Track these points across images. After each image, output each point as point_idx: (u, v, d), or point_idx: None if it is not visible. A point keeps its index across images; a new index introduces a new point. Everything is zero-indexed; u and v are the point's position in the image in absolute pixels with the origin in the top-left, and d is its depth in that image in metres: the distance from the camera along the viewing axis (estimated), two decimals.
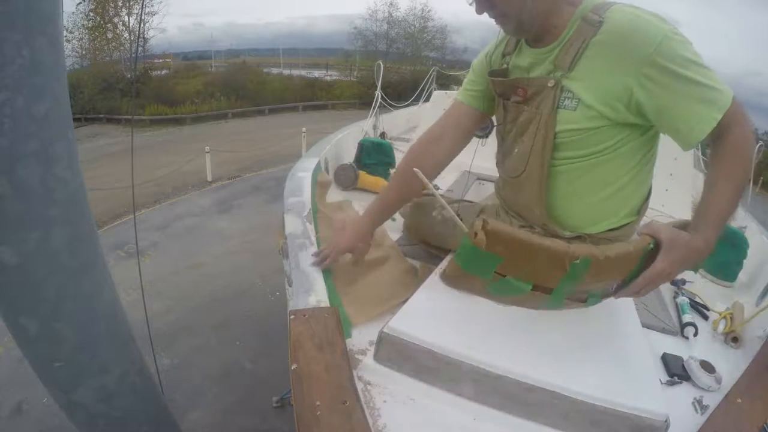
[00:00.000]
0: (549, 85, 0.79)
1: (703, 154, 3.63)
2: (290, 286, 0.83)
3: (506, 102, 0.91)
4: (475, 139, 1.12)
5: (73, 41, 15.15)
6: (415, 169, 0.79)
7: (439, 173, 1.04)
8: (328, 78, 21.68)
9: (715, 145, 0.73)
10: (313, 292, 0.79)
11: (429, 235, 1.09)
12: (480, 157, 1.23)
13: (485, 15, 0.82)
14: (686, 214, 2.13)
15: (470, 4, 0.82)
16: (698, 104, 0.70)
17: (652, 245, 0.70)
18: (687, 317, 1.06)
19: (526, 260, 0.70)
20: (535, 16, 0.77)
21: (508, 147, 0.93)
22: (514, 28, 0.82)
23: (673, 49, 0.69)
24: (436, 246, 1.09)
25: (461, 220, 0.79)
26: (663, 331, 1.02)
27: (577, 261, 0.68)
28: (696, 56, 0.70)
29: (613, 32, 0.73)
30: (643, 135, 0.79)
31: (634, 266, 0.72)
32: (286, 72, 21.92)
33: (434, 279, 0.88)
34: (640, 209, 0.89)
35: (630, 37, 0.71)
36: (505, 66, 0.91)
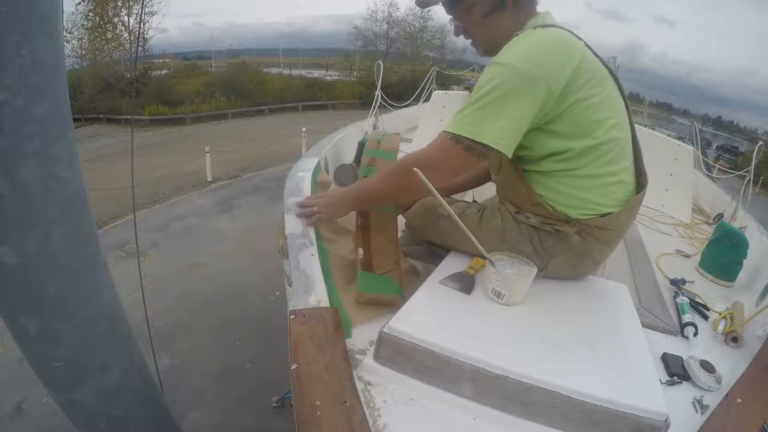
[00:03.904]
0: None
1: (703, 154, 3.64)
2: (290, 286, 0.83)
3: None
4: None
5: (73, 41, 15.16)
6: (415, 169, 0.79)
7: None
8: (328, 78, 21.69)
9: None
10: (313, 292, 0.79)
11: (434, 234, 1.09)
12: None
13: None
14: (686, 214, 2.13)
15: (449, 21, 0.99)
16: (458, 112, 0.83)
17: None
18: (687, 317, 1.06)
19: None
20: (497, 43, 0.89)
21: None
22: (482, 52, 1.00)
23: (497, 74, 0.79)
24: (439, 245, 1.10)
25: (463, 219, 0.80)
26: (663, 331, 1.02)
27: None
28: (503, 98, 0.78)
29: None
30: (568, 140, 0.85)
31: None
32: (286, 72, 21.93)
33: (434, 279, 0.88)
34: (628, 201, 0.92)
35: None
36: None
